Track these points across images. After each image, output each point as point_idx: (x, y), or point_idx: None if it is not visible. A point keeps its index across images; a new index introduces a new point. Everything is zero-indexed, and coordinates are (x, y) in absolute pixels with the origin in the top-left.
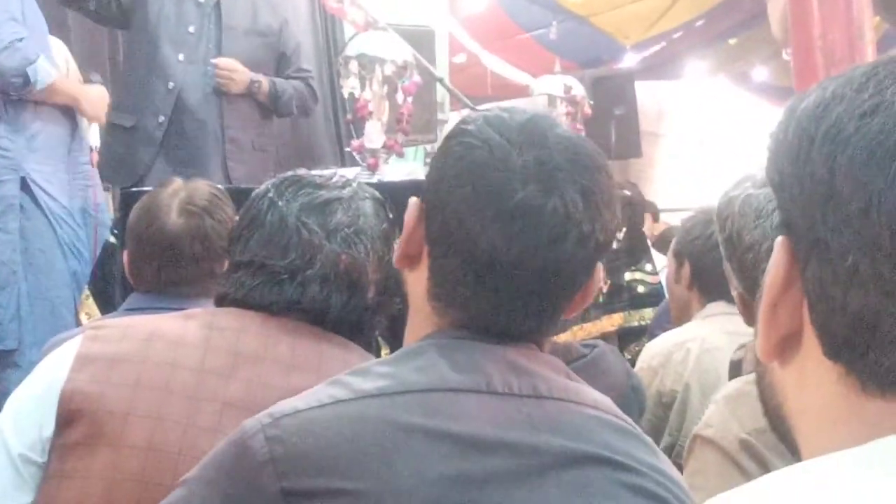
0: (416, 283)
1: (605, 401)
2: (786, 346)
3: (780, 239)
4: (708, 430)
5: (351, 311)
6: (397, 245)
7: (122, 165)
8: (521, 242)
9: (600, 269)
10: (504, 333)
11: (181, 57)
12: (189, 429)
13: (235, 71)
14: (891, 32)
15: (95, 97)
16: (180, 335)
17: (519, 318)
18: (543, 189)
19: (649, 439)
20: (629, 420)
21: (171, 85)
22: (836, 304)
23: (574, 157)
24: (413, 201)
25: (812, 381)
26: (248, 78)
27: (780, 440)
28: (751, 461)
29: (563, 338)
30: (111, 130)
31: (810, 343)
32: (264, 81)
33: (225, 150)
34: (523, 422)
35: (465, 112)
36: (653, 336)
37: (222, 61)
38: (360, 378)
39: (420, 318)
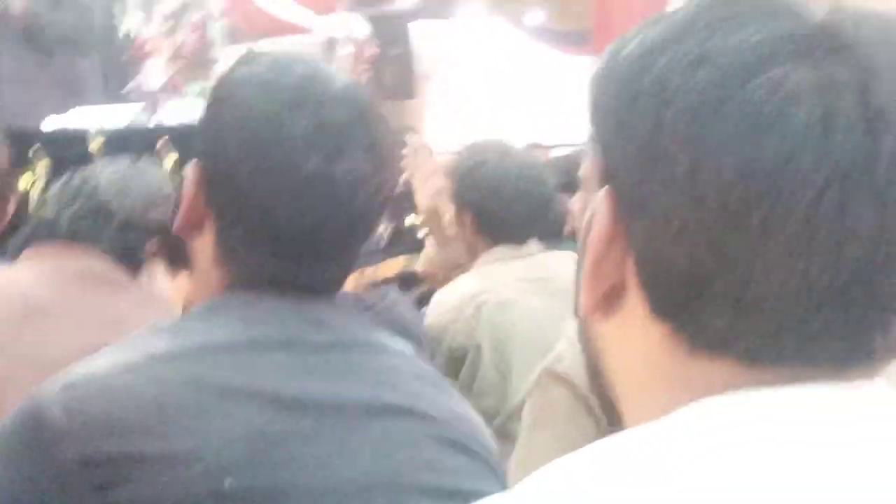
0: (202, 246)
1: (407, 348)
2: (609, 300)
3: (603, 190)
4: (559, 364)
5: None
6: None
7: None
8: (315, 211)
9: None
10: (302, 289)
11: None
12: None
13: None
14: None
15: None
16: None
17: (316, 274)
18: (329, 156)
19: (447, 383)
20: (429, 367)
21: None
22: (664, 263)
23: (352, 114)
24: (190, 169)
25: (635, 338)
26: None
27: (597, 396)
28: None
29: (347, 283)
30: None
31: (635, 299)
32: (17, 4)
33: None
34: (328, 374)
35: (240, 50)
36: None
37: None
38: (154, 339)
39: (209, 279)
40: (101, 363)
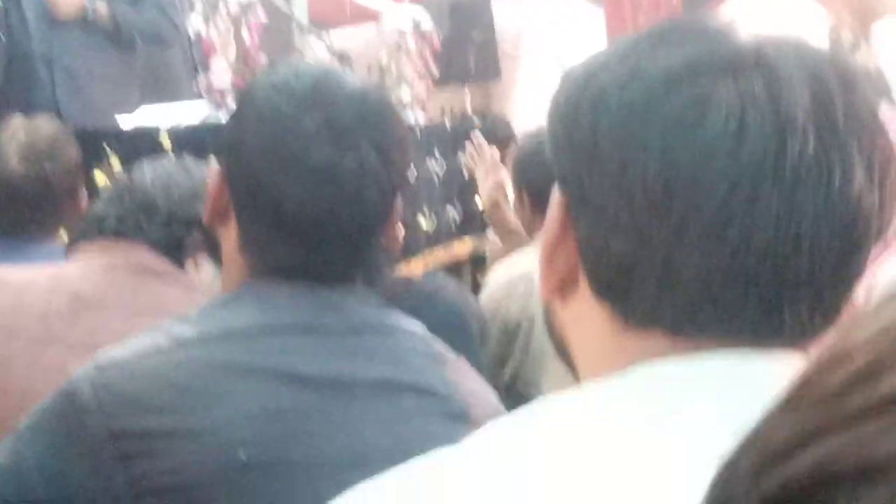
0: (227, 236)
1: (420, 330)
2: (564, 287)
3: (556, 192)
4: None
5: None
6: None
7: None
8: (323, 201)
9: (400, 206)
10: (317, 277)
11: None
12: (33, 370)
13: None
14: None
15: None
16: (27, 282)
17: (330, 264)
18: (338, 149)
19: (461, 362)
20: (442, 346)
21: None
22: (602, 251)
23: (362, 113)
24: (213, 167)
25: (585, 319)
26: (81, 1)
27: (568, 368)
28: None
29: (415, 264)
30: None
31: (584, 285)
32: (102, 7)
33: (54, 80)
34: (340, 355)
35: (320, 39)
36: None
37: None
38: (180, 325)
39: (234, 267)
40: (129, 348)
